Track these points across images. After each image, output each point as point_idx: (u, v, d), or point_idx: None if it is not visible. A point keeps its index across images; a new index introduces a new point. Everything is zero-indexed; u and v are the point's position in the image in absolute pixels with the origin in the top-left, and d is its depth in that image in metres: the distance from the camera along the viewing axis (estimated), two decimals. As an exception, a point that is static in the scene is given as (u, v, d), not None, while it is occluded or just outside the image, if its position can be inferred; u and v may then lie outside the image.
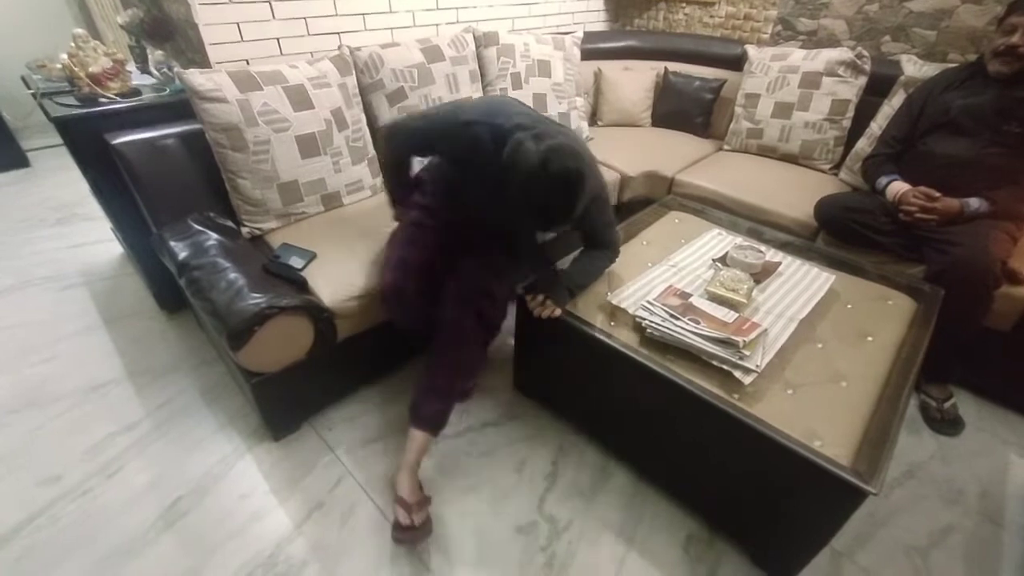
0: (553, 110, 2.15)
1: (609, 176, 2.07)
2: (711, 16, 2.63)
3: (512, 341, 1.52)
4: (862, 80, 1.99)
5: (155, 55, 1.69)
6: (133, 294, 2.01)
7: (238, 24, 1.61)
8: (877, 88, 1.95)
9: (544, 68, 2.12)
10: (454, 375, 1.33)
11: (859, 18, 2.18)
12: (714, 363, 1.10)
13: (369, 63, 1.71)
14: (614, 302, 1.30)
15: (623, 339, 1.22)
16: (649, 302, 1.25)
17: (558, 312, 1.27)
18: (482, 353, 1.36)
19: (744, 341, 1.09)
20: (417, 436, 1.25)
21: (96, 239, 2.36)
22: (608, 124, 2.50)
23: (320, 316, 1.31)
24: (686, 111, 2.44)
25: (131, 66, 1.78)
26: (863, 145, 1.94)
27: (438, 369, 1.32)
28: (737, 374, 1.06)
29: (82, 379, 1.63)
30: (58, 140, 1.57)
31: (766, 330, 1.17)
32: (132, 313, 1.91)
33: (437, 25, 2.11)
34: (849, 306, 1.33)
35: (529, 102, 2.10)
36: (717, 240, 1.60)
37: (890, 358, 1.17)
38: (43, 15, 3.13)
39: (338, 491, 1.30)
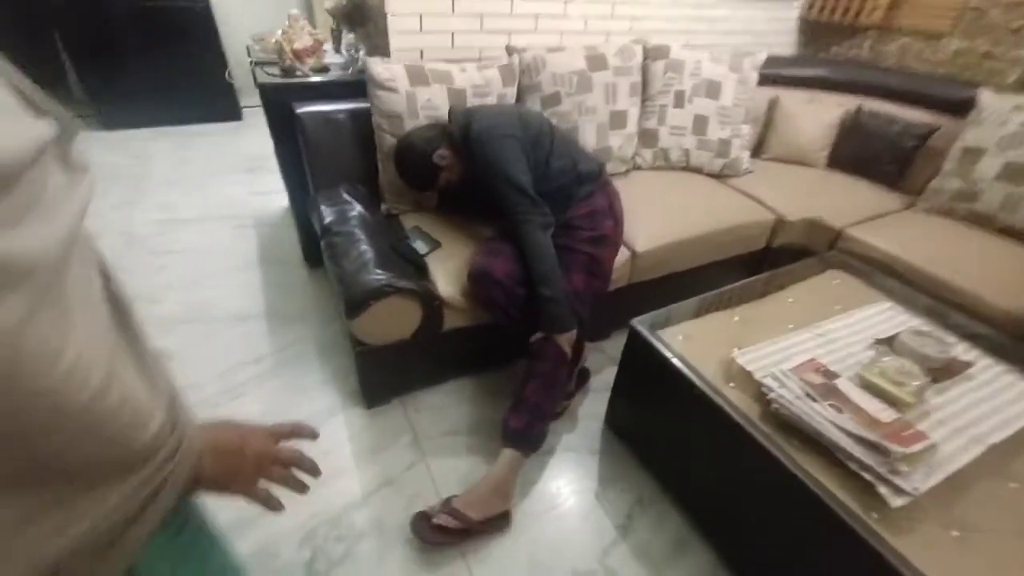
0: (713, 135, 1.98)
1: (761, 216, 1.85)
2: (934, 51, 2.21)
3: (616, 370, 1.41)
4: None
5: (347, 38, 1.87)
6: (288, 243, 2.28)
7: (420, 16, 1.71)
8: None
9: (713, 89, 1.95)
10: (544, 388, 1.29)
11: None
12: (853, 466, 0.91)
13: (532, 65, 1.71)
14: (740, 361, 1.14)
15: (740, 405, 1.06)
16: (783, 372, 1.07)
17: (572, 340, 1.31)
18: (569, 364, 1.35)
19: (902, 452, 0.87)
20: (507, 454, 1.25)
21: (273, 190, 2.73)
22: (774, 158, 2.23)
23: (431, 303, 1.34)
24: (875, 157, 2.08)
25: (328, 46, 2.00)
26: None
27: (528, 383, 1.29)
28: (884, 491, 0.86)
29: (234, 308, 1.88)
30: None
31: (935, 445, 0.93)
32: (282, 260, 2.17)
33: (608, 33, 2.06)
34: (1067, 443, 1.01)
35: (688, 123, 1.96)
36: (885, 316, 1.33)
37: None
38: (277, -5, 3.70)
39: (409, 474, 1.33)
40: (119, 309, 0.42)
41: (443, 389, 1.58)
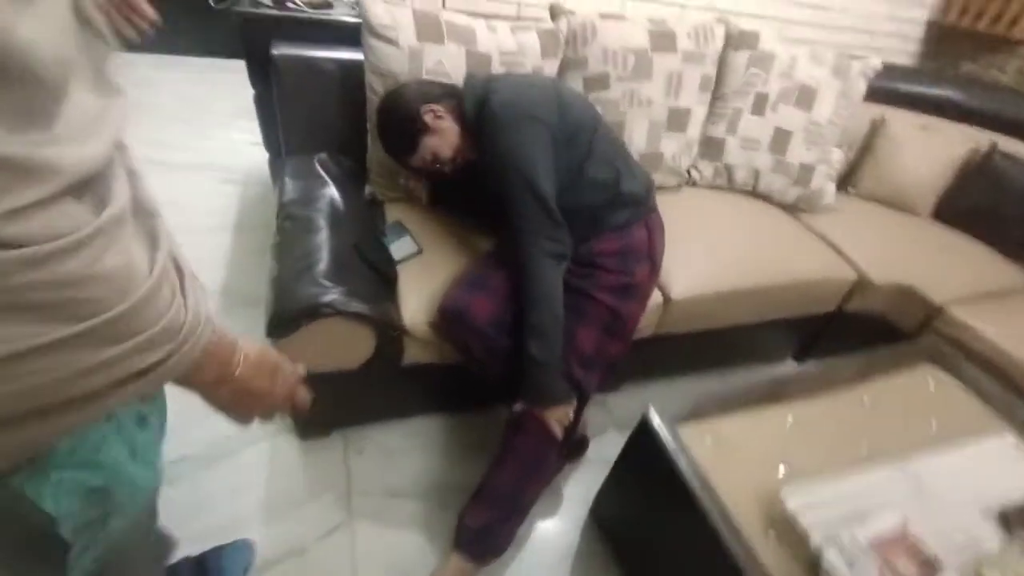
0: (795, 157, 1.56)
1: (838, 271, 1.44)
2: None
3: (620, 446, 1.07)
4: None
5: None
6: (269, 209, 1.98)
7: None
8: None
9: (806, 97, 1.52)
10: (521, 474, 0.98)
11: None
12: None
13: (579, 33, 1.32)
14: (788, 504, 0.79)
15: (778, 566, 0.72)
16: (854, 540, 0.72)
17: (567, 420, 0.99)
18: (557, 451, 1.02)
19: None
20: (455, 561, 0.94)
21: (275, 141, 2.43)
22: (865, 196, 1.79)
23: (387, 332, 1.02)
24: (1002, 214, 1.63)
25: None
26: None
27: (501, 464, 0.98)
28: None
29: (188, 277, 1.61)
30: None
31: None
32: (258, 227, 1.88)
33: (683, 7, 1.64)
34: None
35: (766, 137, 1.54)
36: (1012, 460, 0.94)
37: None
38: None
39: (327, 544, 1.04)
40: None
41: (401, 428, 1.28)
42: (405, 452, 1.23)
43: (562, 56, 1.34)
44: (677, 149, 1.49)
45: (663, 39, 1.36)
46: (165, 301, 0.40)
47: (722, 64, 1.52)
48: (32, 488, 0.43)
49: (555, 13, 1.37)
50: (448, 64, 1.20)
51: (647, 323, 1.23)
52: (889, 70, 1.77)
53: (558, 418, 0.97)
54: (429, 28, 1.18)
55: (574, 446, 1.24)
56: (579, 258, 1.05)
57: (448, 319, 1.00)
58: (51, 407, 0.37)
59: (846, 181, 1.83)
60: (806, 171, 1.58)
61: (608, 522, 1.15)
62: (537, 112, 0.98)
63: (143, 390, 0.40)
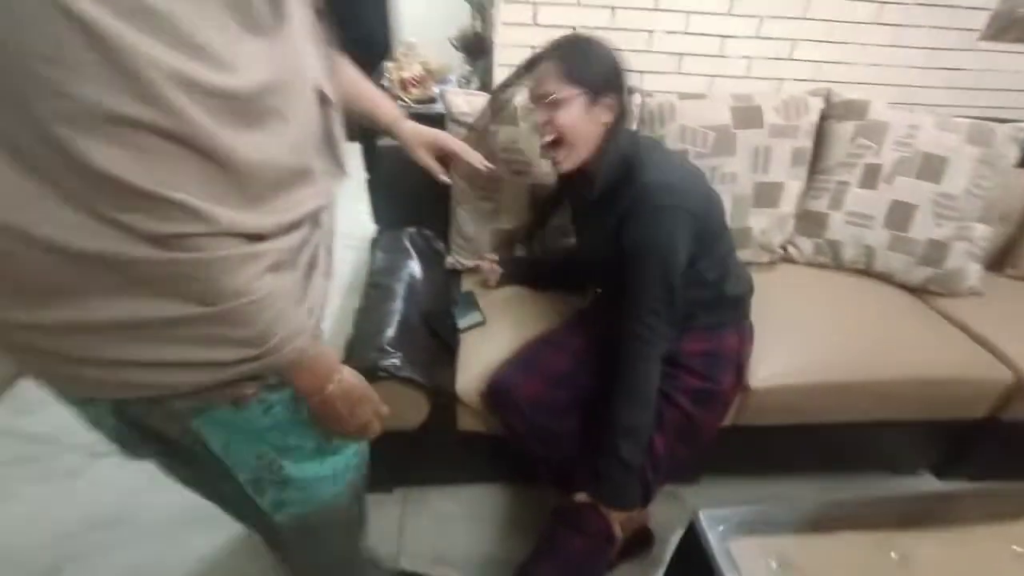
0: (921, 232, 1.35)
1: (982, 369, 1.18)
2: None
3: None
4: None
5: (463, 69, 1.73)
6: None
7: (531, 48, 1.47)
8: None
9: (932, 167, 1.34)
10: (566, 569, 0.92)
11: None
12: None
13: (656, 112, 1.34)
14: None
15: None
16: None
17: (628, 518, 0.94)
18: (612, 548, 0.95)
19: None
20: None
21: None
22: (1026, 278, 1.48)
23: (438, 400, 1.07)
24: None
25: (453, 76, 1.88)
26: None
27: (546, 557, 0.94)
28: None
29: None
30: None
31: None
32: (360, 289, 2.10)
33: (782, 80, 1.58)
34: None
35: (880, 211, 1.38)
36: None
37: None
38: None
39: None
40: None
41: (458, 494, 1.29)
42: (458, 519, 1.23)
43: (637, 130, 1.36)
44: (767, 224, 1.39)
45: (748, 114, 1.32)
46: (272, 313, 0.48)
47: (823, 136, 1.42)
48: (202, 426, 0.57)
49: (637, 94, 1.41)
50: (521, 143, 1.28)
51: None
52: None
53: (623, 519, 0.92)
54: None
55: (638, 541, 1.13)
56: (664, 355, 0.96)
57: (494, 394, 1.02)
58: (163, 363, 0.48)
59: (1001, 262, 1.53)
60: (938, 248, 1.36)
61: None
62: (691, 204, 0.90)
63: (230, 376, 0.50)
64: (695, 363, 0.99)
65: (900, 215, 1.36)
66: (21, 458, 1.29)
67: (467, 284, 1.37)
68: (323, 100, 0.53)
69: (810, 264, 1.47)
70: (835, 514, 0.84)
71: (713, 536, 0.79)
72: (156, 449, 0.65)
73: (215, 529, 1.12)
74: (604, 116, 0.90)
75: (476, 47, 1.74)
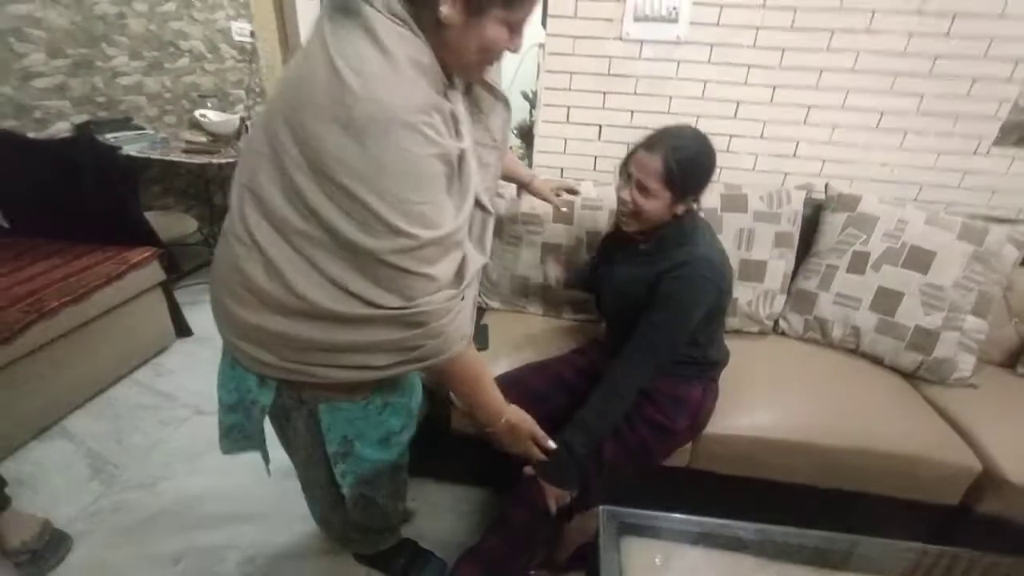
0: (908, 319, 1.43)
1: (949, 454, 1.21)
2: None
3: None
4: None
5: (518, 152, 2.13)
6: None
7: (565, 139, 1.83)
8: None
9: (919, 259, 1.43)
10: (510, 543, 1.11)
11: None
12: None
13: (656, 195, 1.60)
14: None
15: None
16: None
17: (563, 502, 1.08)
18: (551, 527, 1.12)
19: None
20: None
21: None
22: (1041, 378, 1.44)
23: (435, 398, 1.35)
24: None
25: (523, 155, 2.30)
26: None
27: (496, 529, 1.14)
28: None
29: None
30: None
31: None
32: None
33: (786, 174, 1.76)
34: None
35: (867, 295, 1.48)
36: None
37: None
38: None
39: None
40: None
41: (452, 492, 1.52)
42: (445, 511, 1.45)
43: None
44: (753, 297, 1.55)
45: (734, 201, 1.53)
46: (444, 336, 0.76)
47: (815, 223, 1.58)
48: (323, 414, 0.87)
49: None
50: (538, 210, 1.59)
51: (678, 451, 1.26)
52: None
53: (557, 496, 1.09)
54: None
55: (583, 555, 1.27)
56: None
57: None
58: (353, 348, 0.74)
59: (1016, 359, 1.50)
60: (927, 337, 1.42)
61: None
62: (722, 283, 1.08)
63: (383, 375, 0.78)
64: (661, 400, 1.16)
65: (887, 300, 1.45)
66: (148, 406, 1.77)
67: (487, 319, 1.66)
68: (483, 208, 0.83)
69: (801, 339, 1.58)
70: (725, 534, 0.97)
71: (608, 530, 0.96)
72: (278, 416, 0.94)
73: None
74: (679, 210, 1.06)
75: (530, 135, 2.14)
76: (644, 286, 1.09)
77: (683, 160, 1.02)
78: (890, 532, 1.20)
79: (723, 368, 1.26)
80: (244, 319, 0.77)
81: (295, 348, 0.76)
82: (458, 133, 0.72)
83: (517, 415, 0.97)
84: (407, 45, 0.65)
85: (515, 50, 0.74)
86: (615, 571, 0.87)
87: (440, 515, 1.44)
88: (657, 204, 1.04)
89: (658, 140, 1.04)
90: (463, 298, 0.79)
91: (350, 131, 0.62)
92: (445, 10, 0.64)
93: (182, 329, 2.13)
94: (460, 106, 0.75)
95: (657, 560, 0.92)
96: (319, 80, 0.63)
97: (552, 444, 1.01)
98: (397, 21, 0.64)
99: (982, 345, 1.42)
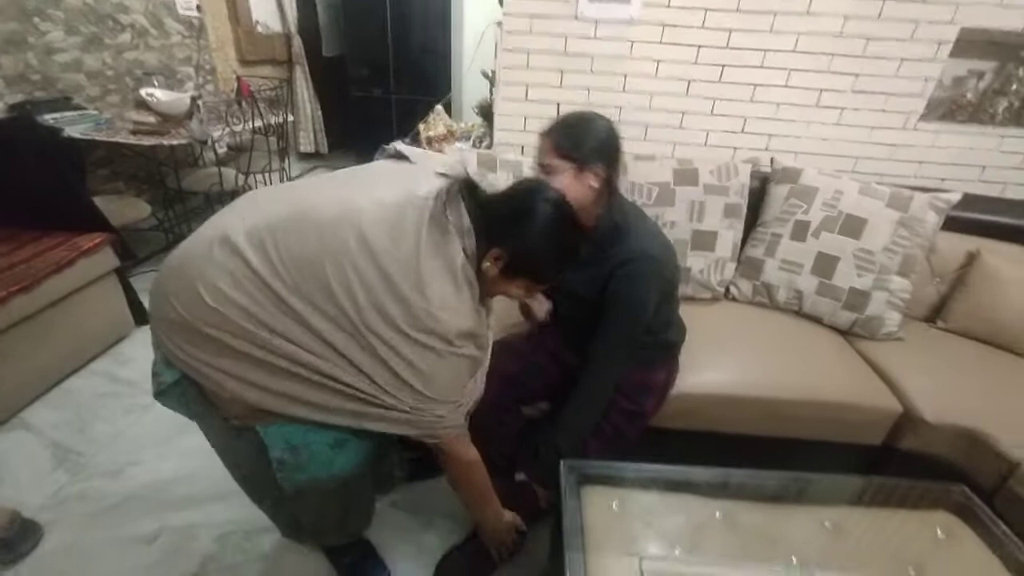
0: (843, 281, 1.55)
1: (876, 400, 1.34)
2: None
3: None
4: None
5: (480, 131, 2.16)
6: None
7: (524, 118, 1.87)
8: None
9: (853, 226, 1.55)
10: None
11: None
12: None
13: (614, 170, 1.66)
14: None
15: None
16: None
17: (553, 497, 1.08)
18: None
19: None
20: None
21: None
22: (956, 330, 1.60)
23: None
24: None
25: (471, 136, 2.32)
26: None
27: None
28: None
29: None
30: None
31: None
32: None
33: (735, 149, 1.86)
34: None
35: (808, 260, 1.59)
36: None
37: None
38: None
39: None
40: None
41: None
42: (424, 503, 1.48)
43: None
44: (704, 265, 1.64)
45: (686, 175, 1.61)
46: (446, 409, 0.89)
47: (762, 196, 1.68)
48: (265, 432, 0.91)
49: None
50: (498, 183, 1.61)
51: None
52: (979, 201, 1.67)
53: (547, 496, 1.19)
54: (486, 162, 1.61)
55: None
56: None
57: None
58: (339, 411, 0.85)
59: (935, 314, 1.66)
60: (859, 296, 1.55)
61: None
62: (666, 273, 1.14)
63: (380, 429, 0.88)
64: (629, 390, 1.22)
65: (824, 265, 1.57)
66: (111, 394, 1.74)
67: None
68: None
69: (750, 303, 1.69)
70: (675, 478, 1.06)
71: (570, 481, 1.03)
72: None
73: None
74: (591, 182, 1.05)
75: (490, 113, 2.16)
76: (594, 286, 1.11)
77: (568, 127, 1.07)
78: (823, 472, 1.33)
79: (682, 344, 1.33)
80: (200, 321, 0.81)
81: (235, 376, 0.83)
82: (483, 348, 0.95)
83: (510, 518, 1.16)
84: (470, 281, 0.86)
85: (527, 299, 1.14)
86: (576, 517, 0.95)
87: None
88: (565, 180, 1.04)
89: (549, 125, 1.09)
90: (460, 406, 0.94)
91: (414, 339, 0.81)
92: (487, 264, 0.87)
93: (141, 317, 2.08)
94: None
95: (614, 505, 1.00)
96: (397, 282, 0.79)
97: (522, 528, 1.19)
98: (470, 263, 0.86)
99: (907, 303, 1.57)
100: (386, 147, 1.04)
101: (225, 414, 0.91)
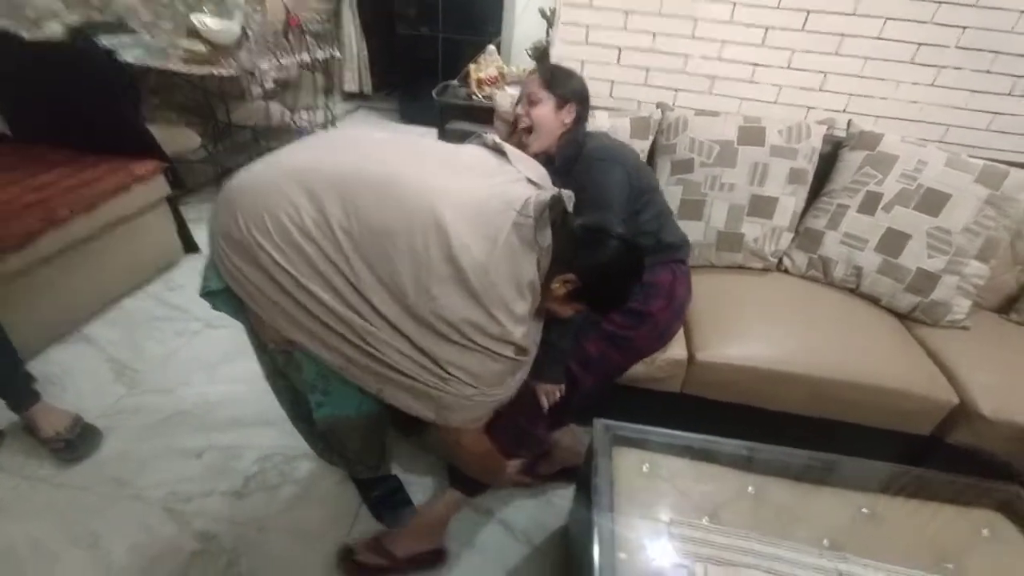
0: (912, 261, 1.44)
1: (927, 389, 1.27)
2: None
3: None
4: None
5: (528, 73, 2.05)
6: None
7: (583, 62, 1.75)
8: None
9: (933, 202, 1.42)
10: (509, 438, 1.18)
11: None
12: None
13: (672, 124, 1.56)
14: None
15: None
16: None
17: (553, 399, 1.15)
18: (543, 430, 1.21)
19: None
20: (448, 493, 1.21)
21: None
22: (1033, 325, 1.48)
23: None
24: None
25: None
26: None
27: (495, 424, 1.20)
28: None
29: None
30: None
31: None
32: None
33: (809, 108, 1.71)
34: None
35: (874, 236, 1.47)
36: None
37: None
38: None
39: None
40: None
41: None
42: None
43: (655, 142, 1.59)
44: (760, 233, 1.54)
45: (752, 134, 1.49)
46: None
47: (831, 160, 1.55)
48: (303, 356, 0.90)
49: (661, 108, 1.64)
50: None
51: (672, 374, 1.32)
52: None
53: (547, 391, 1.15)
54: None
55: (563, 473, 1.37)
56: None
57: None
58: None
59: (1008, 306, 1.53)
60: (927, 279, 1.43)
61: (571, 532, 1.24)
62: (621, 159, 1.21)
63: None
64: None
65: (893, 242, 1.46)
66: (163, 317, 1.83)
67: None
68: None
69: (803, 276, 1.60)
70: (709, 448, 1.04)
71: (603, 440, 1.03)
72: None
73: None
74: (566, 118, 1.23)
75: (545, 55, 2.04)
76: None
77: (557, 68, 1.30)
78: (864, 457, 1.28)
79: (687, 252, 1.32)
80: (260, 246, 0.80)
81: (297, 304, 0.81)
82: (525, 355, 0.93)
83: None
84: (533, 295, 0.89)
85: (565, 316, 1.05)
86: (607, 474, 0.95)
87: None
88: (545, 110, 1.21)
89: (538, 64, 1.23)
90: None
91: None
92: (556, 285, 0.91)
93: (190, 245, 2.15)
94: None
95: (645, 468, 1.00)
96: (465, 278, 0.79)
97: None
98: (539, 278, 0.88)
99: (980, 290, 1.45)
100: (483, 135, 1.04)
101: (262, 336, 0.93)
